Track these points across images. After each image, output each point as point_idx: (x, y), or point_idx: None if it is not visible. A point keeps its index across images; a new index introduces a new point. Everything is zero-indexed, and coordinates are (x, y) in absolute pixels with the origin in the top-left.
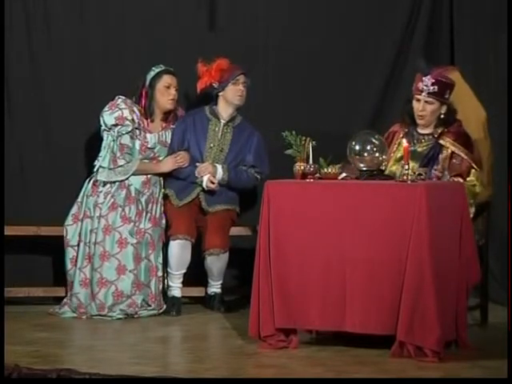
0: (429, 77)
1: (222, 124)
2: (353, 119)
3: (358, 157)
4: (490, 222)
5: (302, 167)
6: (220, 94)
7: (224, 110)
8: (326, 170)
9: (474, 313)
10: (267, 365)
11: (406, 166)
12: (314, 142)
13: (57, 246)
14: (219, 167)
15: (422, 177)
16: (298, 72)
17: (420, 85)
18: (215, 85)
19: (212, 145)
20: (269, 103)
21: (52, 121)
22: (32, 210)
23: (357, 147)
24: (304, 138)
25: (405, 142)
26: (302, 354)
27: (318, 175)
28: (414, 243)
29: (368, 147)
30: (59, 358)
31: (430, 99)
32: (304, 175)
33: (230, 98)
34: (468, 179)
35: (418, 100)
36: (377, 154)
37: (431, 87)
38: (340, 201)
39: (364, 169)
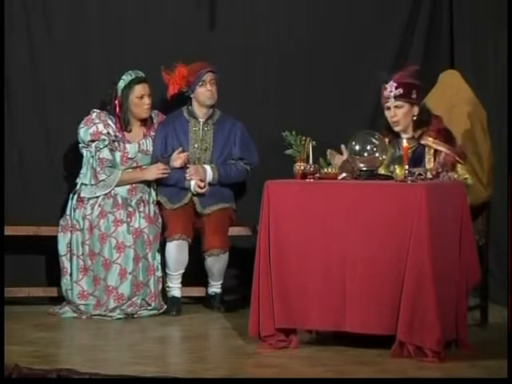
0: (391, 82)
1: (201, 123)
2: (353, 119)
3: (357, 157)
4: (490, 222)
5: (302, 167)
6: (192, 96)
7: (199, 110)
8: (325, 169)
9: (474, 313)
10: (267, 365)
11: (406, 166)
12: (314, 142)
13: (56, 246)
14: (208, 168)
15: (421, 177)
16: (298, 72)
17: (385, 93)
18: (184, 89)
19: (196, 145)
20: (269, 103)
21: (52, 121)
22: (32, 210)
23: (357, 147)
24: (304, 137)
25: (405, 142)
26: (302, 353)
27: (317, 175)
28: (414, 243)
29: (368, 147)
30: (59, 358)
31: (398, 103)
32: (304, 175)
33: (201, 99)
34: (460, 173)
35: (389, 108)
36: (377, 154)
37: (396, 91)
38: (340, 201)
39: (364, 169)
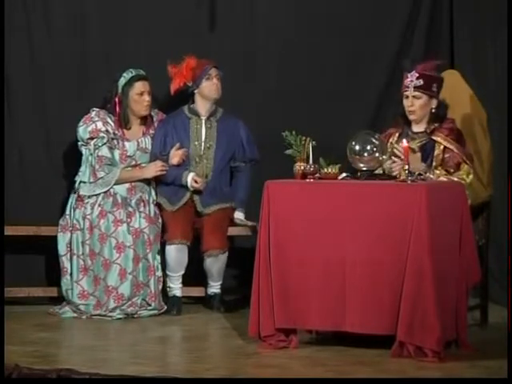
0: (413, 72)
1: (203, 121)
2: (353, 119)
3: (357, 157)
4: (490, 222)
5: (302, 167)
6: (195, 91)
7: (202, 106)
8: (325, 169)
9: (474, 313)
10: (267, 365)
11: (406, 166)
12: (313, 142)
13: (57, 246)
14: (240, 214)
15: (421, 177)
16: (298, 72)
17: (406, 81)
18: (189, 84)
19: (196, 142)
20: (269, 103)
21: (52, 121)
22: (32, 210)
23: (357, 147)
24: (304, 137)
25: (405, 142)
26: (302, 353)
27: (317, 175)
28: (414, 243)
29: (368, 147)
30: (59, 358)
31: (417, 93)
32: (304, 175)
33: (207, 93)
34: (461, 172)
35: (407, 97)
36: (377, 154)
37: (416, 81)
38: (340, 201)
39: (364, 169)
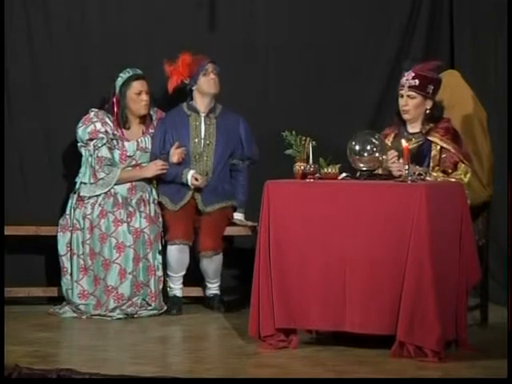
0: (410, 71)
1: (202, 117)
2: (353, 119)
3: (357, 157)
4: (490, 222)
5: (302, 167)
6: (193, 88)
7: (201, 102)
8: (325, 169)
9: (474, 313)
10: (267, 365)
11: (406, 166)
12: (313, 142)
13: (57, 246)
14: (239, 214)
15: (421, 177)
16: (298, 72)
17: (402, 80)
18: (186, 81)
19: (196, 140)
20: (269, 103)
21: (52, 121)
22: (32, 209)
23: (357, 147)
24: (304, 137)
25: (404, 142)
26: (302, 354)
27: (317, 175)
28: (414, 243)
29: (368, 147)
30: (59, 358)
31: (411, 93)
32: (304, 175)
33: (205, 89)
34: (458, 172)
35: (402, 96)
36: (377, 154)
37: (412, 81)
38: (340, 201)
39: (364, 169)
